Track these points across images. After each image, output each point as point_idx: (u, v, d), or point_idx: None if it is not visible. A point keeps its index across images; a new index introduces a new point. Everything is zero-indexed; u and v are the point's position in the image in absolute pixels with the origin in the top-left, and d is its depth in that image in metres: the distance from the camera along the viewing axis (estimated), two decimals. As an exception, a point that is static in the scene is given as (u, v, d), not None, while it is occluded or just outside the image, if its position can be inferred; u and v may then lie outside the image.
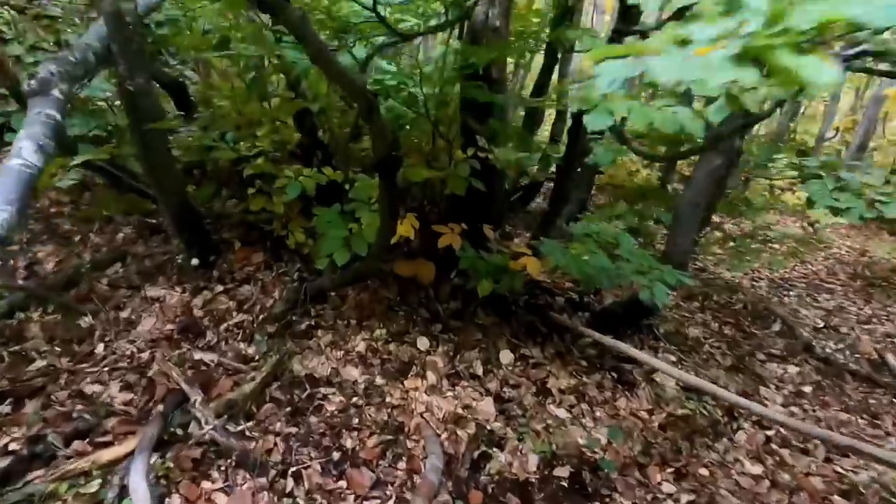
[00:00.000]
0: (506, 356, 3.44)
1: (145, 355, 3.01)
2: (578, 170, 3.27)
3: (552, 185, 6.54)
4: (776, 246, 6.48)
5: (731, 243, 5.53)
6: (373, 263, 3.15)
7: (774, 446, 3.21)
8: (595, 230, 3.26)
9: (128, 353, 3.03)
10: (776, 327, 4.47)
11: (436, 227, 3.36)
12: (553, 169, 6.14)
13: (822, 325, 4.68)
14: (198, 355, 2.97)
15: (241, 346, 3.15)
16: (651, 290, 2.81)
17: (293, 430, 2.65)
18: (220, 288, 3.58)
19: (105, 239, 3.99)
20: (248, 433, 2.58)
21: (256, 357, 3.08)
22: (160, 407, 2.55)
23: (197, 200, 4.15)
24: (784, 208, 8.74)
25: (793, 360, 3.98)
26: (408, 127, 3.62)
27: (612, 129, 2.57)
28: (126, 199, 3.96)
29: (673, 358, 3.79)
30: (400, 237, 3.25)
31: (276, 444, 2.55)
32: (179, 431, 2.45)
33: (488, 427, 2.91)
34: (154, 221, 4.14)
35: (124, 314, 3.34)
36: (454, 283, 3.85)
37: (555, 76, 5.72)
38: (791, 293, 5.51)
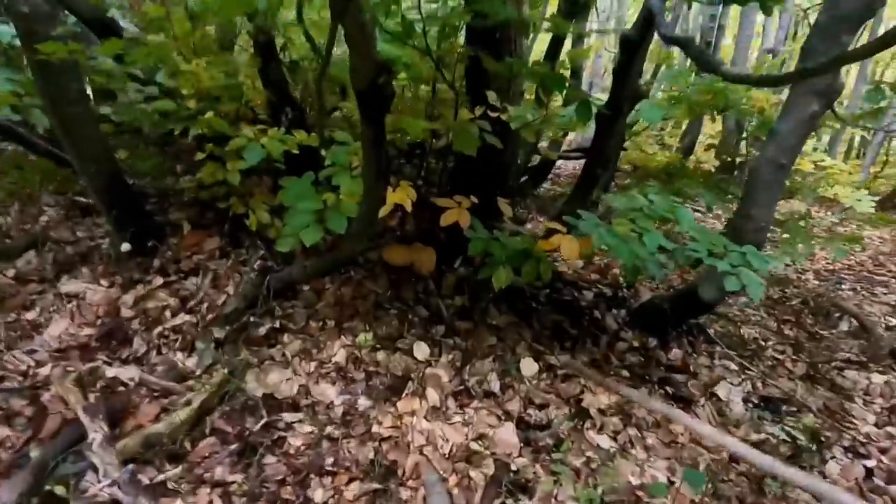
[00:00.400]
0: (528, 366, 2.67)
1: (45, 371, 2.22)
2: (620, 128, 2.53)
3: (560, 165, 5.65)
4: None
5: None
6: (355, 245, 2.38)
7: (879, 481, 2.46)
8: (644, 203, 2.50)
9: (22, 368, 2.23)
10: (844, 326, 3.74)
11: (438, 200, 2.59)
12: (564, 145, 5.37)
13: (894, 322, 3.96)
14: (112, 371, 2.17)
15: (178, 356, 2.36)
16: (739, 280, 2.05)
17: (239, 477, 1.87)
18: (159, 281, 2.79)
19: (22, 221, 3.19)
20: (171, 485, 1.79)
21: (197, 372, 2.29)
22: (34, 452, 1.76)
23: (137, 172, 3.35)
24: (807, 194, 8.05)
25: (876, 366, 3.25)
26: (402, 75, 2.84)
27: (689, 50, 1.81)
28: (40, 170, 3.16)
29: (734, 366, 3.03)
30: (393, 209, 2.48)
31: (211, 501, 1.76)
32: (61, 490, 1.65)
33: (511, 465, 2.14)
34: (88, 201, 3.33)
35: (30, 316, 2.55)
36: (460, 274, 3.08)
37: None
38: (843, 286, 4.78)
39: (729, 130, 7.93)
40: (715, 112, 4.51)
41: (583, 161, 6.49)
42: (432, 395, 2.37)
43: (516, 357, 2.73)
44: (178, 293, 2.72)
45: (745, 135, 4.45)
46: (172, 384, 2.17)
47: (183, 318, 2.56)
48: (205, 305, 2.63)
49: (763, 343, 3.37)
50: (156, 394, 2.13)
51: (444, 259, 3.07)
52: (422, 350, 2.58)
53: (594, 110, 2.35)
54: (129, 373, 2.16)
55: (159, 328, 2.49)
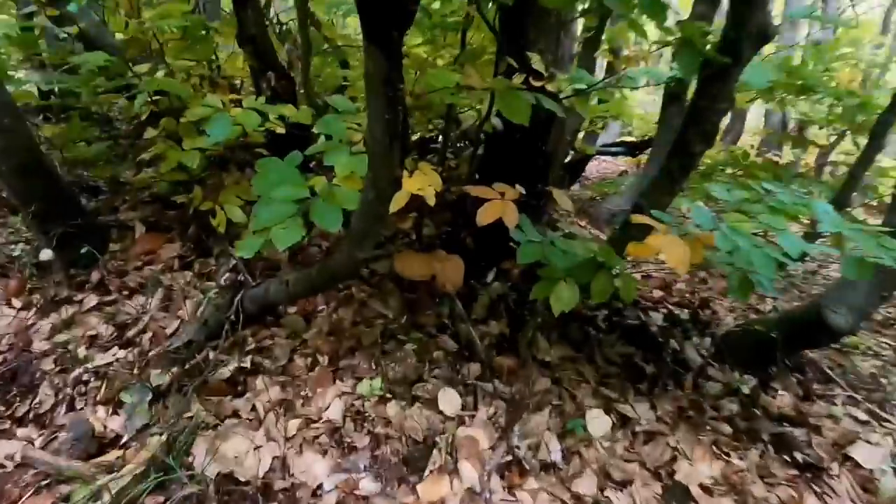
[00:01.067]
0: (597, 421, 1.92)
1: None
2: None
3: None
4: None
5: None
6: (357, 252, 1.64)
7: None
8: (765, 193, 1.76)
9: None
10: (979, 357, 2.98)
11: (473, 189, 1.86)
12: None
13: None
14: (-17, 444, 1.44)
15: (99, 414, 1.62)
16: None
17: None
18: (92, 301, 2.06)
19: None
20: None
21: (123, 439, 1.56)
22: None
23: (78, 159, 2.64)
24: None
25: None
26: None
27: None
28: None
29: (862, 415, 2.26)
30: (406, 206, 1.74)
31: None
32: None
33: (595, 590, 1.38)
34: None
35: None
36: (495, 291, 2.34)
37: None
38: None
39: (772, 126, 7.21)
40: (787, 95, 3.79)
41: (621, 157, 5.76)
42: (468, 472, 1.61)
43: (579, 407, 1.98)
44: (115, 318, 1.99)
45: (831, 119, 3.68)
46: (76, 463, 1.43)
47: (115, 353, 1.83)
48: (147, 336, 1.90)
49: (886, 381, 2.59)
50: (47, 480, 1.39)
51: (473, 271, 2.33)
52: (450, 400, 1.83)
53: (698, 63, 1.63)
54: (7, 447, 1.43)
55: (79, 370, 1.76)
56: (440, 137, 2.85)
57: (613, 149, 4.47)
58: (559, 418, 1.90)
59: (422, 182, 1.66)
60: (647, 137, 4.25)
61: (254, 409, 1.71)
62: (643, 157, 5.20)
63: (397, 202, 1.57)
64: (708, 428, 2.07)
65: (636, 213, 1.98)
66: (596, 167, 7.30)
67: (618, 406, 2.03)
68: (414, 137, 3.42)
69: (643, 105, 8.21)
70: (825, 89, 3.24)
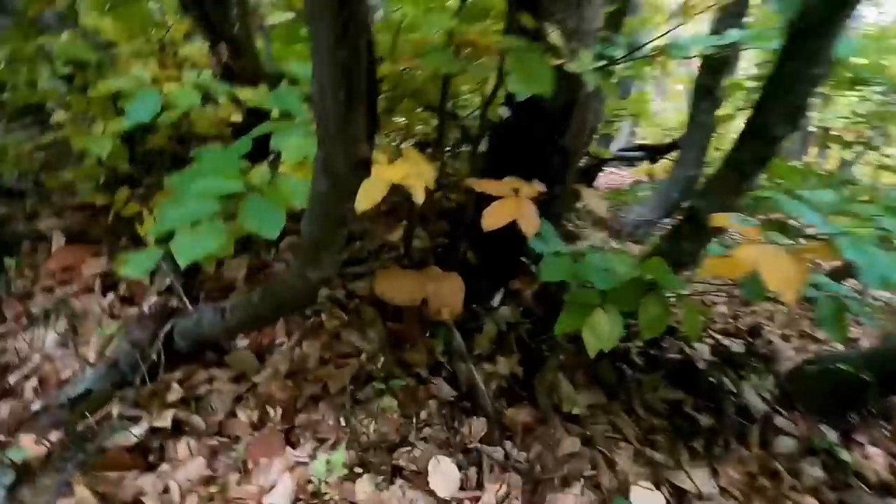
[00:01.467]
0: (646, 500, 1.41)
1: None
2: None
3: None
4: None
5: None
6: (311, 269, 1.15)
7: None
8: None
9: None
10: None
11: (478, 182, 1.39)
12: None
13: None
14: None
15: (-69, 506, 1.12)
16: None
17: None
18: (-26, 334, 1.57)
19: None
20: None
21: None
22: None
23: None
24: None
25: None
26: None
27: None
28: None
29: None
30: (396, 206, 1.26)
31: None
32: None
33: None
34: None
35: None
36: (502, 318, 1.84)
37: None
38: None
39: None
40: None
41: (628, 168, 5.30)
42: (471, 591, 1.11)
43: (619, 477, 1.47)
44: (0, 357, 1.50)
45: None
46: None
47: (-18, 411, 1.33)
48: (32, 384, 1.40)
49: None
50: None
51: (475, 292, 1.84)
52: (445, 474, 1.33)
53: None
54: None
55: (-75, 434, 1.26)
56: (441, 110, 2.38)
57: (631, 153, 4.01)
58: (595, 496, 1.39)
59: (406, 170, 1.18)
60: (672, 140, 3.78)
61: (166, 490, 1.21)
62: (655, 168, 4.73)
63: (369, 195, 1.09)
64: (787, 501, 1.56)
65: (692, 218, 1.51)
66: (602, 178, 6.84)
67: (669, 475, 1.52)
68: (411, 143, 2.96)
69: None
70: (885, 81, 2.78)
